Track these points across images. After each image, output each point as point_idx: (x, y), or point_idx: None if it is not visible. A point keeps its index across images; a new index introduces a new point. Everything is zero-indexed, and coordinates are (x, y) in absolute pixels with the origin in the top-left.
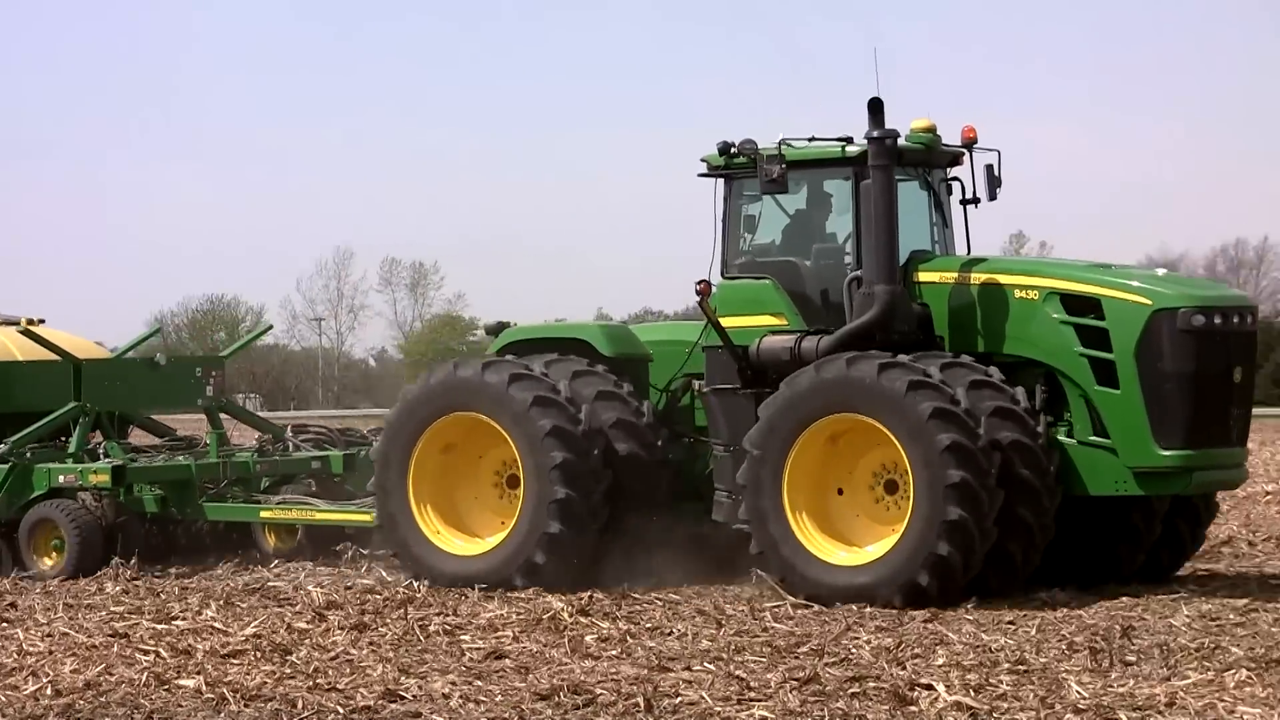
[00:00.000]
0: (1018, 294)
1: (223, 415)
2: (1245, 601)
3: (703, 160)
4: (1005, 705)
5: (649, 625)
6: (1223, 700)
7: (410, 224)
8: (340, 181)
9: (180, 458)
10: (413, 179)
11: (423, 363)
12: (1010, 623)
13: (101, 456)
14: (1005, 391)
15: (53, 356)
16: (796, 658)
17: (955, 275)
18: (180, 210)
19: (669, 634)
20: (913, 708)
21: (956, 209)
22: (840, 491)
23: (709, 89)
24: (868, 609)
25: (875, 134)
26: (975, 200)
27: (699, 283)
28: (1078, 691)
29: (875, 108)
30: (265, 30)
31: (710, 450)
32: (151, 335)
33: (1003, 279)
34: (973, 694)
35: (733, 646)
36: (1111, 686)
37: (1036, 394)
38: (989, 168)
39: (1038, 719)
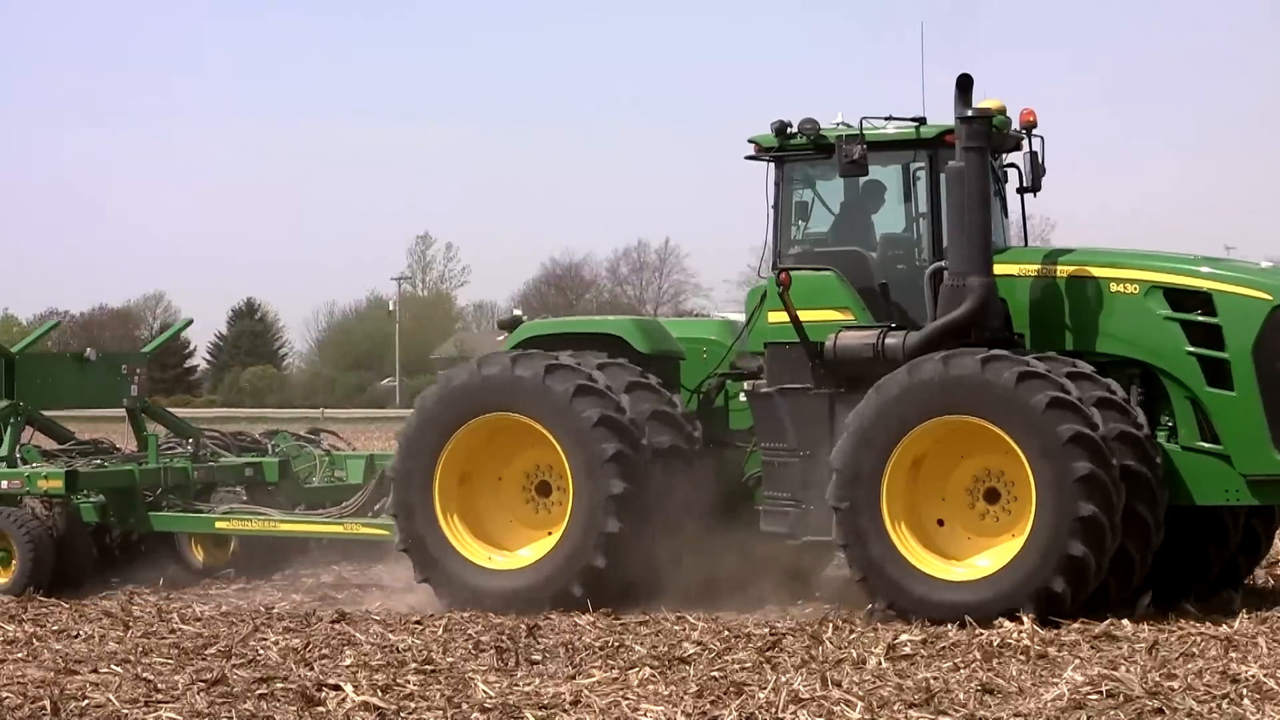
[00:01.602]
0: (1114, 288)
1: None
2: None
3: (751, 141)
4: (413, 705)
5: (55, 628)
6: (627, 698)
7: None
8: None
9: (99, 462)
10: None
11: None
12: (417, 623)
13: (19, 462)
14: (1130, 414)
15: None
16: (204, 659)
17: (1037, 268)
18: None
19: (75, 636)
20: (321, 708)
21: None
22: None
23: None
24: (275, 609)
25: (969, 113)
26: (1034, 189)
27: (780, 272)
28: (484, 691)
29: (964, 85)
30: None
31: (750, 456)
32: (52, 328)
33: (1096, 272)
34: (380, 694)
35: (140, 648)
36: (518, 685)
37: (1133, 395)
38: (1033, 155)
39: (445, 718)
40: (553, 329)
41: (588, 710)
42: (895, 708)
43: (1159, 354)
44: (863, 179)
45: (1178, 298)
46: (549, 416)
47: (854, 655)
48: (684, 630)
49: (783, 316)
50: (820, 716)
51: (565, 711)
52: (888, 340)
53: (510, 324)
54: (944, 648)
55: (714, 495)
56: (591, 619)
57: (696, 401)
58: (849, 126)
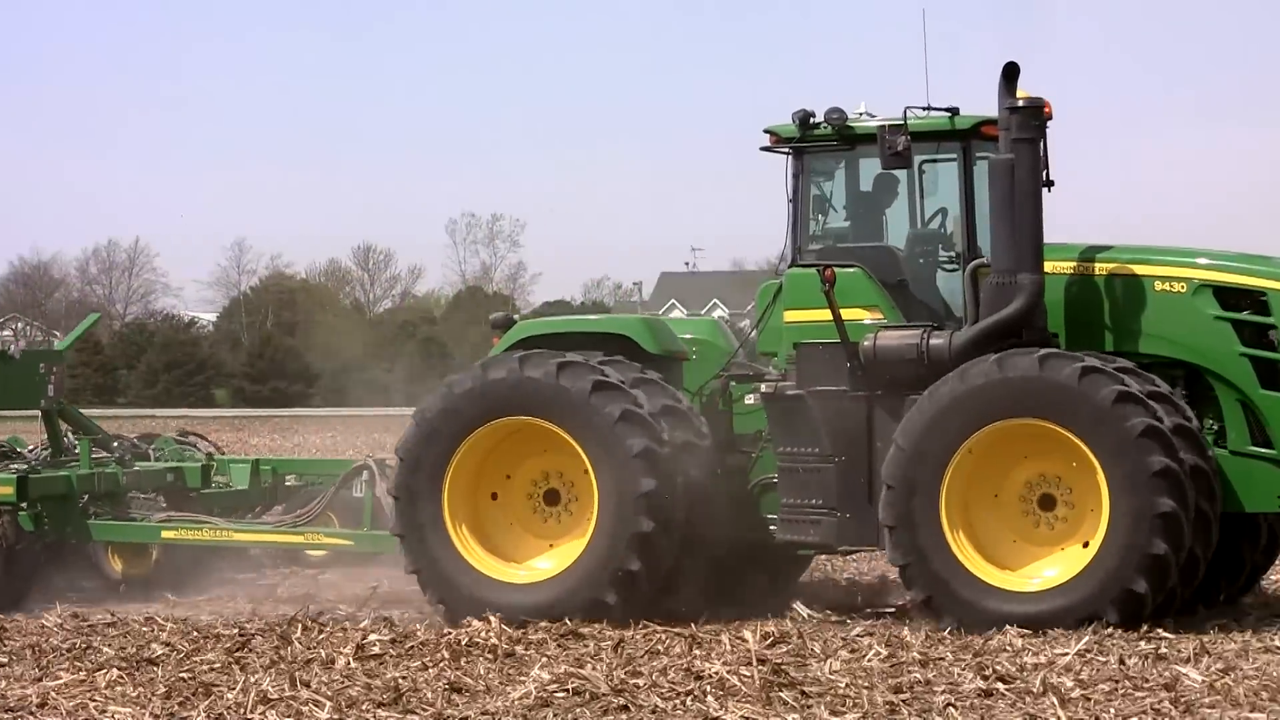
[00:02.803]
0: (1158, 286)
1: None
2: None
3: (767, 131)
4: None
5: None
6: (94, 700)
7: None
8: None
9: (18, 467)
10: None
11: None
12: None
13: None
14: (1182, 408)
15: None
16: None
17: (1073, 265)
18: None
19: None
20: None
21: None
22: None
23: None
24: None
25: (1020, 102)
26: (1049, 183)
27: (825, 269)
28: None
29: (1011, 73)
30: None
31: (758, 460)
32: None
33: (1139, 269)
34: None
35: None
36: None
37: (1177, 396)
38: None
39: None
40: (550, 328)
41: (55, 712)
42: (364, 707)
43: (1208, 355)
44: (880, 171)
45: (1228, 297)
46: (565, 416)
47: (323, 655)
48: (152, 631)
49: (803, 315)
50: (289, 717)
51: (32, 714)
52: (932, 341)
53: (503, 323)
54: (412, 647)
55: (731, 494)
56: (59, 620)
57: (699, 403)
58: (873, 117)
